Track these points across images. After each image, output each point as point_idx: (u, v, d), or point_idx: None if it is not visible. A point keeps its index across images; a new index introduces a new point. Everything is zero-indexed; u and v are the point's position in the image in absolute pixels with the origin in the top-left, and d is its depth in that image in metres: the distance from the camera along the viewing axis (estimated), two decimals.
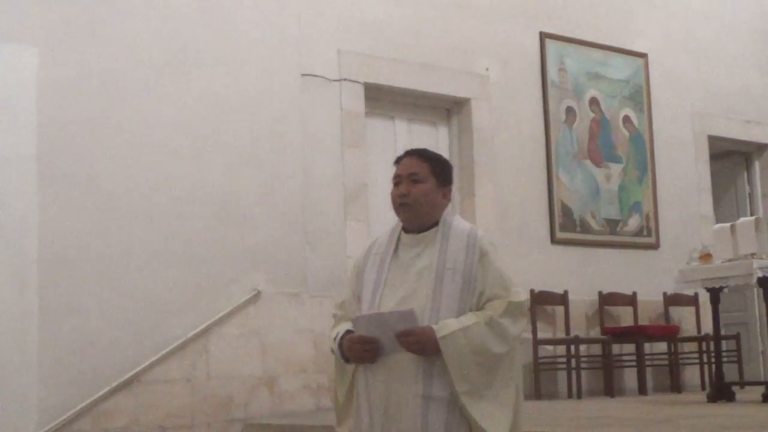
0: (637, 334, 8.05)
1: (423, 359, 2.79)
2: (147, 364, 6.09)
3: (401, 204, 2.97)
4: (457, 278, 2.84)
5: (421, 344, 2.76)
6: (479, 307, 2.84)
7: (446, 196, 3.00)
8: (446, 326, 2.77)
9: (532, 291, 7.84)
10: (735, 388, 6.72)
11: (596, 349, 8.12)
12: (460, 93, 7.96)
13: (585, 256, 8.46)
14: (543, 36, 8.51)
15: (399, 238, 3.01)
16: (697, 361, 8.46)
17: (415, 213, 2.96)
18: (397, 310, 2.79)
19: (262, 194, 6.75)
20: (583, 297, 8.31)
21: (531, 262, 8.01)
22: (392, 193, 3.00)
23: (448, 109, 8.09)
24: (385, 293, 2.91)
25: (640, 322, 8.43)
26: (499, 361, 2.80)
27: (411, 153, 3.04)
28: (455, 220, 3.01)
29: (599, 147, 8.75)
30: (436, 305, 2.82)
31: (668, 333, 8.33)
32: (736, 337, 8.50)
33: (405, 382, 2.81)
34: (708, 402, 6.51)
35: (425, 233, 2.96)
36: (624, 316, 8.56)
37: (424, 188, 2.94)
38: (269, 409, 6.50)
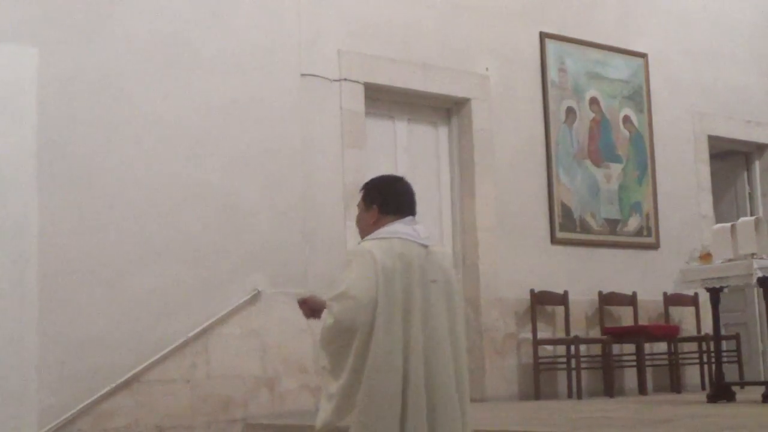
0: (637, 334, 8.04)
1: None
2: (147, 364, 6.09)
3: None
4: None
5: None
6: None
7: (373, 216, 3.36)
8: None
9: (532, 291, 7.86)
10: (735, 388, 6.73)
11: (596, 349, 8.12)
12: (460, 93, 7.95)
13: (585, 256, 8.45)
14: (543, 36, 8.50)
15: None
16: (697, 361, 8.47)
17: (362, 238, 3.39)
18: None
19: (262, 194, 6.75)
20: (583, 297, 8.31)
21: (531, 262, 8.02)
22: None
23: (448, 109, 8.09)
24: None
25: (640, 322, 8.43)
26: (327, 355, 3.25)
27: None
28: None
29: (599, 147, 8.74)
30: None
31: (668, 333, 8.32)
32: (736, 337, 8.49)
33: None
34: (708, 402, 6.50)
35: None
36: (624, 316, 8.56)
37: (357, 215, 3.45)
38: (269, 409, 6.50)
